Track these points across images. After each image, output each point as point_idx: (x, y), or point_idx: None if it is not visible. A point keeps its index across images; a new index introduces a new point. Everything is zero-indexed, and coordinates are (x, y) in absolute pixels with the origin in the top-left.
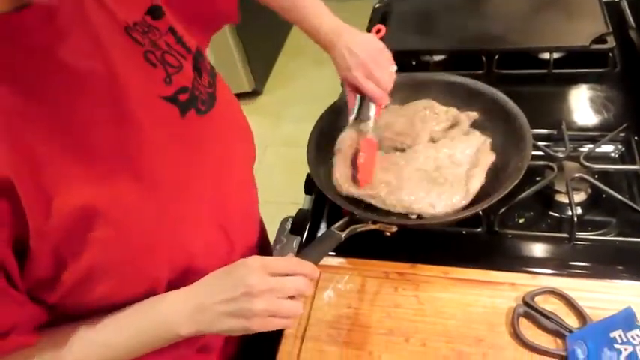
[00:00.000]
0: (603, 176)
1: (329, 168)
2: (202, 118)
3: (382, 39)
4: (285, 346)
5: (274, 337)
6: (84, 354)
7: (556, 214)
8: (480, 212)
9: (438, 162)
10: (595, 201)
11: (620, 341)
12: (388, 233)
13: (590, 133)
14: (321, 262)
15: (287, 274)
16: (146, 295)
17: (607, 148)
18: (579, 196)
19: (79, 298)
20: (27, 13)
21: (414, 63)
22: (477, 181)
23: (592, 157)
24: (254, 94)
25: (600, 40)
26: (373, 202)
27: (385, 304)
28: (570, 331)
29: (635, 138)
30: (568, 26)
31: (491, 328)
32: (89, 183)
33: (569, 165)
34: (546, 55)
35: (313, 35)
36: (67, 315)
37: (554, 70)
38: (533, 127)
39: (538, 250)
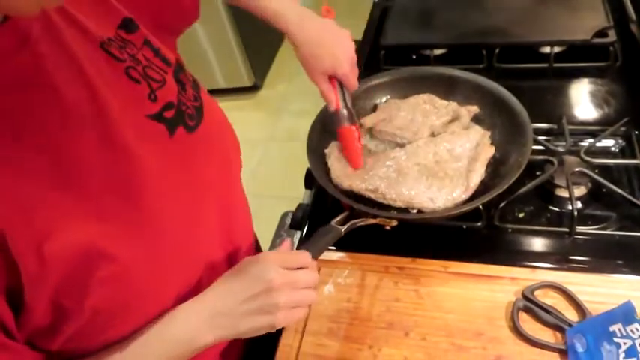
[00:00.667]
0: (603, 170)
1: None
2: (192, 136)
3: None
4: (285, 340)
5: (274, 332)
6: None
7: (556, 209)
8: (480, 206)
9: (438, 156)
10: (595, 195)
11: (619, 335)
12: (388, 227)
13: (591, 128)
14: (321, 257)
15: (299, 268)
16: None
17: (607, 143)
18: (579, 191)
19: (83, 343)
20: None
21: (414, 57)
22: (477, 176)
23: (592, 152)
24: (254, 88)
25: (601, 33)
26: (373, 196)
27: (385, 298)
28: (570, 325)
29: (636, 132)
30: (569, 20)
31: (491, 322)
32: (85, 222)
33: (570, 159)
34: (547, 49)
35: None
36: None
37: (554, 64)
38: (533, 122)
39: (538, 244)
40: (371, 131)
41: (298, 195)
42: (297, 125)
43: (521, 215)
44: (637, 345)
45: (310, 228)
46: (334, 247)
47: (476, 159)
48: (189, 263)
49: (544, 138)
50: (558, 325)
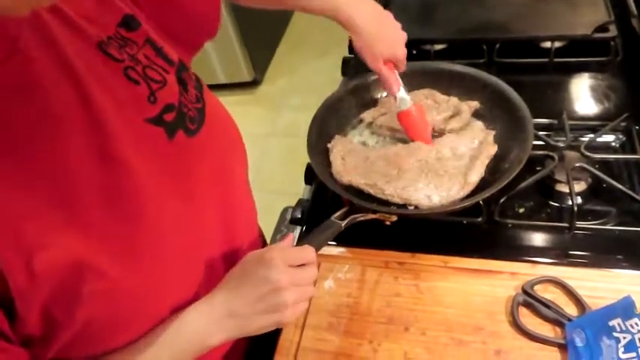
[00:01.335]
0: (604, 166)
1: (329, 158)
2: (193, 140)
3: None
4: (285, 335)
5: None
6: None
7: (556, 204)
8: (481, 202)
9: (440, 154)
10: (595, 190)
11: (619, 330)
12: (388, 223)
13: (591, 123)
14: (322, 252)
15: (302, 264)
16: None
17: (608, 138)
18: (580, 186)
19: (79, 351)
20: None
21: (414, 52)
22: (477, 174)
23: (593, 147)
24: (254, 83)
25: (602, 28)
26: (372, 191)
27: (385, 293)
28: (569, 320)
29: (636, 127)
30: (570, 15)
31: (491, 317)
32: (77, 234)
33: (570, 154)
34: (548, 44)
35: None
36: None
37: (555, 59)
38: (534, 117)
39: (538, 239)
40: (371, 126)
41: (298, 190)
42: (298, 120)
43: (521, 210)
44: (636, 340)
45: (310, 223)
46: (334, 243)
47: (477, 157)
48: (188, 272)
49: (544, 133)
50: (558, 319)
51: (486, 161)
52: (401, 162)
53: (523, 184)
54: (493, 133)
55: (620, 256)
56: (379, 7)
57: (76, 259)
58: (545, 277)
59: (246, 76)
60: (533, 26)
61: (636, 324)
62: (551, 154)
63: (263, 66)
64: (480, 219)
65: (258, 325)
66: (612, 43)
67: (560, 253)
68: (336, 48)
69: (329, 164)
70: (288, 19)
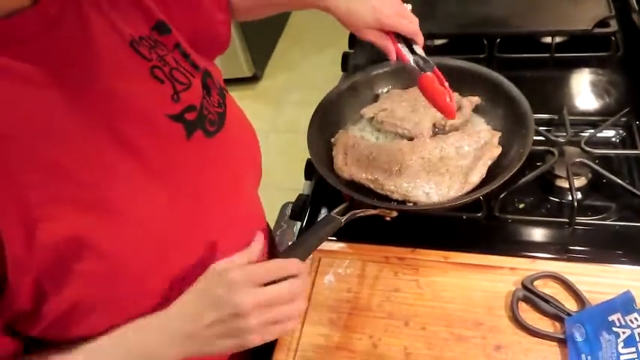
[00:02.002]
0: (604, 161)
1: (329, 153)
2: (209, 141)
3: None
4: None
5: None
6: None
7: (556, 199)
8: (481, 197)
9: (444, 152)
10: (595, 186)
11: (618, 325)
12: (388, 218)
13: (592, 118)
14: (322, 247)
15: (275, 279)
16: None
17: (608, 133)
18: (580, 181)
19: (63, 331)
20: (22, 20)
21: None
22: (477, 175)
23: (593, 142)
24: (254, 79)
25: (603, 23)
26: (372, 186)
27: (385, 288)
28: (569, 315)
29: (637, 123)
30: (570, 9)
31: (491, 312)
32: (79, 211)
33: (570, 150)
34: (548, 39)
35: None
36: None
37: (556, 54)
38: (534, 112)
39: (538, 234)
40: (371, 122)
41: (298, 186)
42: (298, 116)
43: (521, 206)
44: (636, 335)
45: (310, 218)
46: (334, 238)
47: (480, 158)
48: (188, 270)
49: (545, 128)
50: (558, 314)
51: (489, 162)
52: (403, 158)
53: (523, 180)
54: (499, 134)
55: (620, 252)
56: None
57: (76, 235)
58: (545, 273)
59: (246, 71)
60: (534, 21)
61: (636, 319)
62: (551, 149)
63: (263, 61)
64: (480, 214)
65: (216, 348)
66: (613, 38)
67: (560, 249)
68: (337, 43)
69: (329, 160)
70: (287, 15)
